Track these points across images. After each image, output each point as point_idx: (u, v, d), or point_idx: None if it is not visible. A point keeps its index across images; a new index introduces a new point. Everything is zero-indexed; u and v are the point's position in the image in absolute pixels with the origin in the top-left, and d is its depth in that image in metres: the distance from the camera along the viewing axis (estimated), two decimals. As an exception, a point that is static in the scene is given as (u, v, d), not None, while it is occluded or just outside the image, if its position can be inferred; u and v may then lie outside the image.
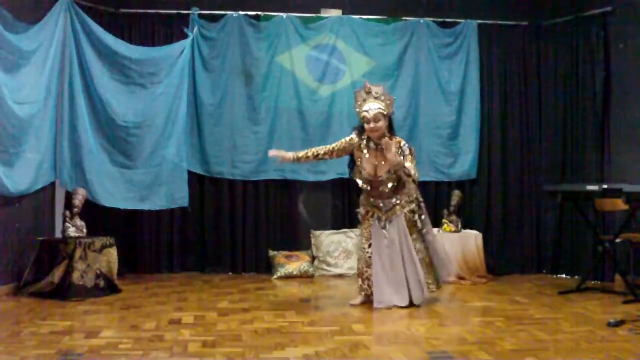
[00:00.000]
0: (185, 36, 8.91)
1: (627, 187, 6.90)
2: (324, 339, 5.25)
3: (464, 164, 9.35)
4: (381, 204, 6.76)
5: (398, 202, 6.77)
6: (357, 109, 6.80)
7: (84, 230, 7.62)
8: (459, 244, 8.62)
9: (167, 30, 9.10)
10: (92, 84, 8.34)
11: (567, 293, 7.58)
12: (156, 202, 8.73)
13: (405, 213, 6.76)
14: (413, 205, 6.82)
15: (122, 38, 8.78)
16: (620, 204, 7.19)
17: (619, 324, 5.72)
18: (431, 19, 9.41)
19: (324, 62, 9.25)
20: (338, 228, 9.19)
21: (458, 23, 9.44)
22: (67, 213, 7.59)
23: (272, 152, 6.88)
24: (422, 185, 9.21)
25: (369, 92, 6.73)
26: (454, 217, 8.84)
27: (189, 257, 9.15)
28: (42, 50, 7.60)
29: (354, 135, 6.79)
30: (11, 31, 7.03)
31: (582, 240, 8.75)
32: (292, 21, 9.20)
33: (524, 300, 7.19)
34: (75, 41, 8.21)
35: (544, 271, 9.32)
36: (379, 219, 6.74)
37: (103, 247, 7.38)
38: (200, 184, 9.12)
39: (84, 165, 8.23)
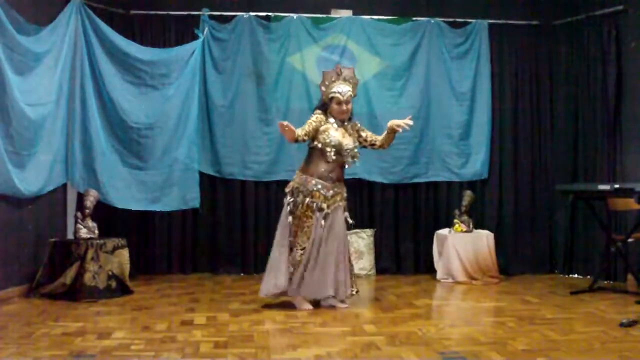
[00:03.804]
0: (196, 37, 8.93)
1: (639, 187, 6.87)
2: (335, 340, 5.25)
3: (476, 164, 9.33)
4: (324, 190, 6.61)
5: (339, 191, 6.76)
6: (324, 88, 6.82)
7: (96, 231, 7.64)
8: (471, 244, 8.60)
9: (178, 32, 9.12)
10: (104, 86, 8.37)
11: (579, 293, 7.55)
12: (168, 204, 8.76)
13: (343, 208, 6.79)
14: (345, 203, 6.86)
15: (133, 40, 8.79)
16: (632, 204, 7.15)
17: (631, 324, 5.70)
18: (442, 19, 9.39)
19: (335, 63, 9.20)
20: (349, 228, 9.15)
21: (469, 23, 9.42)
22: (79, 214, 7.61)
23: (283, 123, 6.40)
24: (434, 186, 9.29)
25: (339, 75, 6.82)
26: (465, 217, 8.82)
27: (201, 258, 9.16)
28: (53, 52, 7.62)
29: (319, 113, 6.75)
30: (23, 33, 7.05)
31: (594, 240, 8.72)
32: (302, 22, 9.21)
33: (536, 300, 7.18)
34: (87, 43, 8.23)
35: (556, 271, 9.29)
36: (321, 210, 6.60)
37: (115, 248, 7.39)
38: (212, 185, 9.13)
39: (96, 167, 8.26)
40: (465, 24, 9.45)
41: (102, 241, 7.31)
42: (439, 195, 9.40)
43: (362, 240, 9.02)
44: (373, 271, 9.04)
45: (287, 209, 6.67)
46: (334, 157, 6.61)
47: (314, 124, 6.61)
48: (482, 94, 9.37)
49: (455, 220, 8.80)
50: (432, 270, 8.87)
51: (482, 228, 9.03)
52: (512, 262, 9.28)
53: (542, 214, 9.46)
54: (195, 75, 8.85)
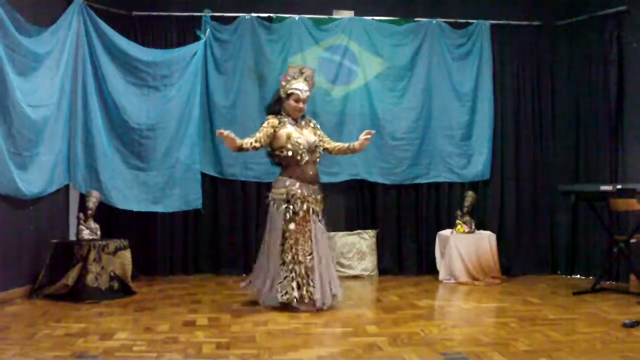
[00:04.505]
0: (198, 38, 8.93)
1: (641, 187, 6.88)
2: (337, 341, 5.26)
3: (477, 165, 9.33)
4: (314, 193, 6.68)
5: (319, 190, 6.80)
6: (284, 83, 6.82)
7: (98, 232, 7.64)
8: (473, 244, 8.60)
9: (180, 33, 9.13)
10: (105, 87, 8.38)
11: (582, 294, 7.55)
12: (170, 205, 8.76)
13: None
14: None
15: (135, 41, 8.81)
16: (634, 204, 7.15)
17: (634, 324, 5.69)
18: (444, 19, 9.40)
19: (337, 64, 9.25)
20: (352, 229, 9.18)
21: (471, 24, 9.43)
22: (81, 215, 7.62)
23: (223, 132, 6.40)
24: (436, 186, 9.28)
25: (302, 73, 6.84)
26: (467, 218, 8.83)
27: (203, 259, 9.16)
28: (55, 53, 7.63)
29: (271, 118, 6.74)
30: (25, 34, 7.05)
31: (597, 241, 8.73)
32: (304, 23, 9.21)
33: (538, 301, 7.17)
34: (89, 44, 8.25)
35: (558, 272, 9.29)
36: (317, 213, 6.67)
37: (117, 249, 7.40)
38: (214, 185, 9.13)
39: (98, 168, 8.28)
40: (467, 24, 9.45)
41: (104, 242, 7.31)
42: (440, 196, 9.40)
43: (364, 241, 9.02)
44: (375, 272, 9.03)
45: (285, 216, 6.56)
46: (306, 159, 6.64)
47: (264, 129, 6.62)
48: (483, 95, 9.36)
49: (458, 221, 8.80)
50: (434, 271, 8.86)
51: (484, 229, 9.03)
52: (514, 262, 9.27)
53: (544, 215, 9.45)
54: (197, 76, 8.86)
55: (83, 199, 7.94)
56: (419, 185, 9.34)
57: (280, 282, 6.48)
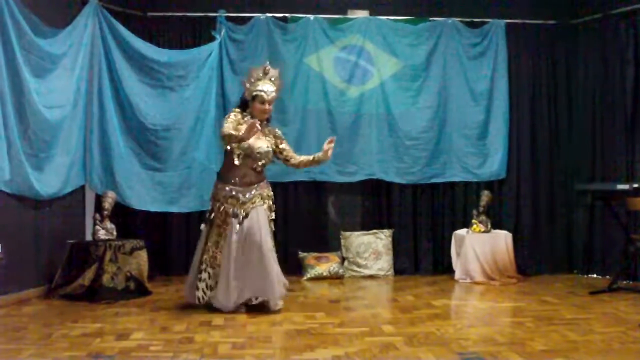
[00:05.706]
0: (213, 39, 8.94)
1: (658, 186, 6.84)
2: (354, 340, 5.24)
3: (493, 164, 9.30)
4: (240, 195, 6.42)
5: (258, 192, 6.52)
6: (248, 85, 6.62)
7: (115, 233, 7.67)
8: (489, 244, 8.58)
9: (195, 33, 9.13)
10: (121, 88, 8.40)
11: (598, 293, 7.51)
12: (186, 205, 8.78)
13: (265, 208, 6.56)
14: (270, 202, 6.64)
15: (150, 41, 8.82)
16: (652, 203, 7.13)
17: (651, 324, 5.67)
18: (459, 19, 9.38)
19: (352, 63, 9.24)
20: (368, 229, 9.17)
21: (486, 23, 9.40)
22: (97, 216, 7.64)
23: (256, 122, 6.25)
24: (451, 186, 9.25)
25: (266, 74, 6.62)
26: (483, 217, 8.80)
27: (219, 259, 9.15)
28: (71, 55, 7.65)
29: (238, 113, 6.56)
30: (40, 36, 7.08)
31: (613, 240, 8.66)
32: (319, 23, 9.21)
33: (555, 300, 7.14)
34: (104, 45, 8.27)
35: (575, 271, 9.25)
36: (235, 215, 6.41)
37: (133, 249, 7.41)
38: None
39: (114, 168, 8.31)
40: (482, 23, 9.42)
41: (120, 242, 7.33)
42: (456, 195, 9.38)
43: (380, 241, 9.01)
44: (391, 271, 9.02)
45: (208, 216, 6.62)
46: (241, 160, 6.47)
47: (231, 124, 6.38)
48: (499, 94, 9.33)
49: (473, 221, 8.78)
50: (450, 271, 8.85)
51: (500, 228, 9.00)
52: (530, 262, 9.23)
53: (561, 214, 9.41)
54: (213, 77, 8.87)
55: (99, 199, 7.97)
56: (434, 184, 9.33)
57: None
